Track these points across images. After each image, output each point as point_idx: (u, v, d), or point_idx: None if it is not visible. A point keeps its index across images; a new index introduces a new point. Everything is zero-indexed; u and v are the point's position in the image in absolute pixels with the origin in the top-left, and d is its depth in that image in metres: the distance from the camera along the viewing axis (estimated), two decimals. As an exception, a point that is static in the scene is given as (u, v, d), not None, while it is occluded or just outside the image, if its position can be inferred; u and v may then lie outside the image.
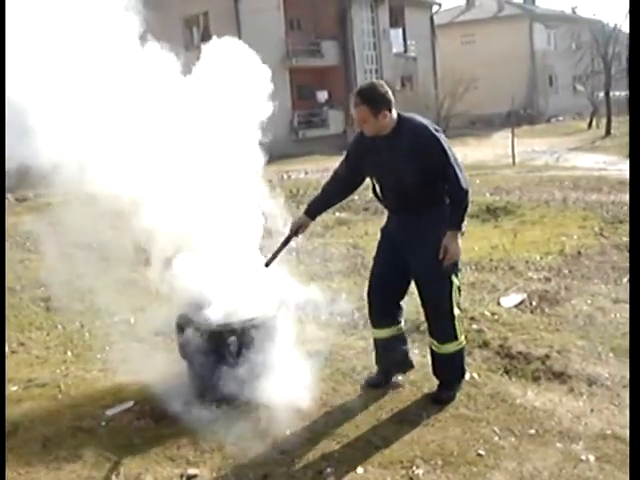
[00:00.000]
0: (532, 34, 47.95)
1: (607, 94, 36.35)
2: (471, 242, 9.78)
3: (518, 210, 12.29)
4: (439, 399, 4.65)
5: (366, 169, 4.60)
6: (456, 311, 4.60)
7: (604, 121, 35.13)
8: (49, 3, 4.60)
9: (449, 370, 4.73)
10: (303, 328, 5.79)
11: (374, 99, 4.30)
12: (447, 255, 4.40)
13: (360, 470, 3.90)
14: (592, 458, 3.94)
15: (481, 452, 4.03)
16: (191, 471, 3.97)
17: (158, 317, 6.35)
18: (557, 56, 47.98)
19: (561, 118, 46.45)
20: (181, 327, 4.88)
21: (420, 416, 4.47)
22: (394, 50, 38.54)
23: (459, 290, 4.64)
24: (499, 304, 6.72)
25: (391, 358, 4.87)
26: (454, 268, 4.54)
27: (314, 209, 4.79)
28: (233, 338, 4.59)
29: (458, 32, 47.27)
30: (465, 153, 26.30)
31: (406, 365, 4.96)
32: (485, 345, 5.62)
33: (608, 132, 33.41)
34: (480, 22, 47.54)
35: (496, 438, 4.19)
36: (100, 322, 6.88)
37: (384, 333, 4.82)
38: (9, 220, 12.74)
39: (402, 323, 4.88)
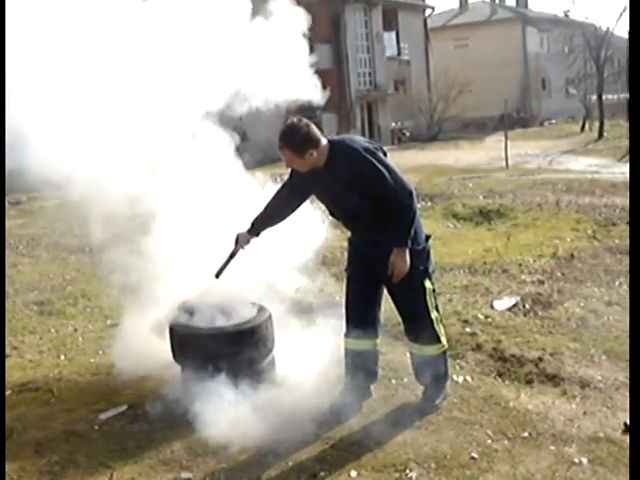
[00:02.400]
0: (525, 37, 48.02)
1: (600, 97, 36.46)
2: (464, 245, 9.83)
3: (511, 213, 12.33)
4: (422, 410, 4.61)
5: (314, 196, 4.61)
6: (434, 314, 4.57)
7: (597, 124, 35.22)
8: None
9: (432, 374, 4.67)
10: (296, 331, 5.79)
11: (296, 142, 4.25)
12: (395, 272, 4.37)
13: (353, 473, 3.90)
14: (585, 461, 3.95)
15: (474, 455, 4.04)
16: (184, 475, 3.97)
17: (151, 321, 6.37)
18: (550, 59, 48.09)
19: (554, 121, 46.51)
20: (174, 331, 4.89)
21: (413, 419, 4.48)
22: (387, 53, 38.52)
23: (433, 293, 4.60)
24: (492, 307, 6.74)
25: (360, 373, 4.75)
26: (425, 273, 4.51)
27: (256, 227, 4.73)
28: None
29: (451, 35, 47.29)
30: (458, 156, 26.42)
31: (366, 390, 4.81)
32: (478, 348, 5.63)
33: (601, 135, 33.49)
34: (473, 25, 47.61)
35: (489, 441, 4.20)
36: (93, 326, 6.87)
37: (359, 345, 4.72)
38: (2, 224, 12.72)
39: (378, 339, 4.79)
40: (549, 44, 49.70)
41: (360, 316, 4.70)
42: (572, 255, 8.71)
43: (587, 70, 40.46)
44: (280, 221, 4.76)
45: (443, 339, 4.64)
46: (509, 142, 23.35)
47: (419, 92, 38.65)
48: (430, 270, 4.57)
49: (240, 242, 4.75)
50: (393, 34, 39.33)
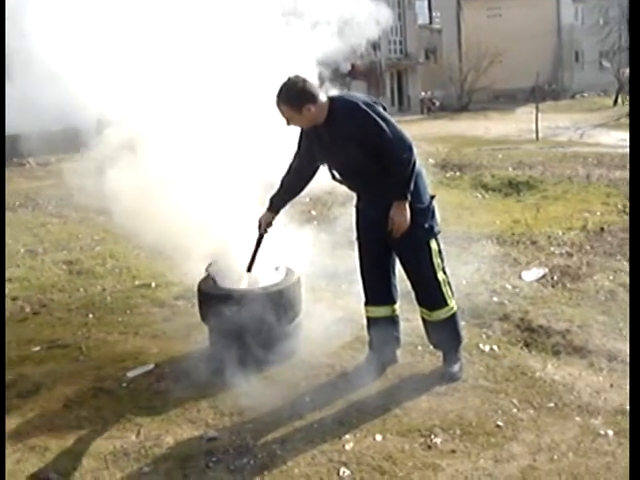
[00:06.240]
0: (559, 8, 47.28)
1: (634, 71, 35.80)
2: (493, 216, 9.77)
3: (541, 185, 12.20)
4: (444, 376, 4.61)
5: (317, 157, 4.56)
6: (440, 276, 4.52)
7: (630, 98, 34.61)
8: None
9: (444, 338, 4.66)
10: (323, 296, 5.81)
11: (292, 97, 4.23)
12: (394, 227, 4.34)
13: (379, 437, 3.92)
14: (611, 433, 3.93)
15: (500, 423, 4.04)
16: (210, 434, 4.00)
17: (179, 281, 6.43)
18: (584, 31, 47.28)
19: (586, 94, 45.91)
20: (202, 291, 4.92)
21: (439, 386, 4.48)
22: (419, 22, 38.16)
23: (440, 254, 4.54)
24: (520, 278, 6.70)
25: (383, 340, 4.77)
26: (430, 232, 4.47)
27: (276, 204, 4.73)
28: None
29: (484, 4, 46.49)
30: (488, 127, 26.22)
31: (391, 355, 4.84)
32: (505, 318, 5.60)
33: (633, 109, 32.96)
34: (507, -5, 46.91)
35: (515, 410, 4.19)
36: (121, 286, 6.93)
37: (378, 312, 4.74)
38: (32, 184, 12.85)
39: (397, 305, 4.79)
40: (584, 15, 48.85)
41: (375, 283, 4.72)
42: (602, 229, 8.62)
43: (622, 43, 39.78)
44: (297, 194, 4.77)
45: (451, 301, 4.60)
46: (540, 114, 23.08)
47: (450, 62, 38.34)
48: (435, 230, 4.51)
49: (263, 225, 4.75)
50: (425, 2, 38.98)
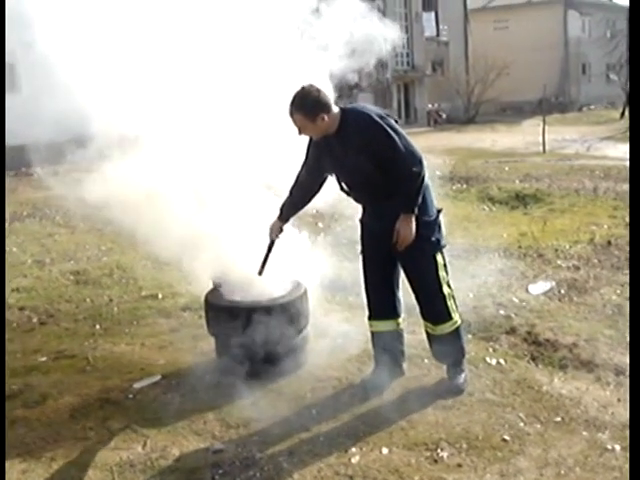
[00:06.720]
0: (566, 21, 47.27)
1: (641, 84, 35.78)
2: (499, 228, 9.76)
3: (547, 198, 12.20)
4: (449, 390, 4.60)
5: (326, 168, 4.55)
6: (446, 289, 4.52)
7: (637, 111, 34.56)
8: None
9: (447, 351, 4.65)
10: (330, 308, 5.81)
11: (306, 106, 4.23)
12: (399, 239, 4.34)
13: (385, 450, 3.91)
14: (618, 448, 3.92)
15: (506, 437, 4.03)
16: (217, 446, 4.00)
17: (185, 292, 6.43)
18: (591, 44, 47.31)
19: (593, 107, 45.88)
20: (209, 303, 4.92)
21: (445, 399, 4.47)
22: (426, 34, 38.16)
23: (445, 268, 4.54)
24: (527, 291, 6.69)
25: (389, 353, 4.76)
26: (436, 246, 4.47)
27: (285, 214, 4.74)
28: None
29: (491, 17, 46.59)
30: (494, 139, 26.20)
31: (397, 369, 4.82)
32: (512, 331, 5.59)
33: (641, 122, 32.88)
34: (514, 7, 46.87)
35: (521, 424, 4.18)
36: (128, 297, 6.94)
37: (383, 326, 4.74)
38: (39, 194, 12.86)
39: (401, 318, 4.79)
40: (591, 28, 48.90)
41: (379, 298, 4.72)
42: (609, 242, 8.61)
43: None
44: (306, 203, 4.77)
45: (455, 315, 4.59)
46: (547, 127, 23.05)
47: (457, 74, 38.32)
48: (442, 243, 4.52)
49: (274, 232, 4.75)
50: (432, 14, 38.94)
